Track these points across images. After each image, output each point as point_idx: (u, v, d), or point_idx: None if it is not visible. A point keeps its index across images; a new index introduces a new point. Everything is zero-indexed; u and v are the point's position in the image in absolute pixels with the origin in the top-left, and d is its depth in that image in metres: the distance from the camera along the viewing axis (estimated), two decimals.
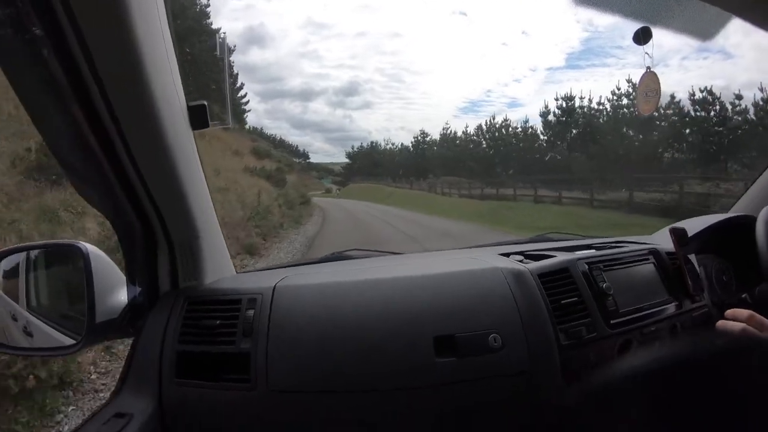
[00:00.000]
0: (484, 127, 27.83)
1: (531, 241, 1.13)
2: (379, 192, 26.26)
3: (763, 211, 0.93)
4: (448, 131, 32.98)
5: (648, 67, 0.91)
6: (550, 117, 21.97)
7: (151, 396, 0.70)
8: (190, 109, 0.73)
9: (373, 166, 39.43)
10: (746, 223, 0.97)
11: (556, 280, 0.82)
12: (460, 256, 0.99)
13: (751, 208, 1.16)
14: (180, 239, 0.78)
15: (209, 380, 0.71)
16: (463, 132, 31.69)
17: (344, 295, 0.77)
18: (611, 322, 0.82)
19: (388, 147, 41.94)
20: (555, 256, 0.89)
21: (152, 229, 0.77)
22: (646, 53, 0.89)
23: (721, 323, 0.73)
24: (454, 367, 0.70)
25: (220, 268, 0.87)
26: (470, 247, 1.10)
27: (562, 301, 0.80)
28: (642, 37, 0.89)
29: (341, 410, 0.70)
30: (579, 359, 0.77)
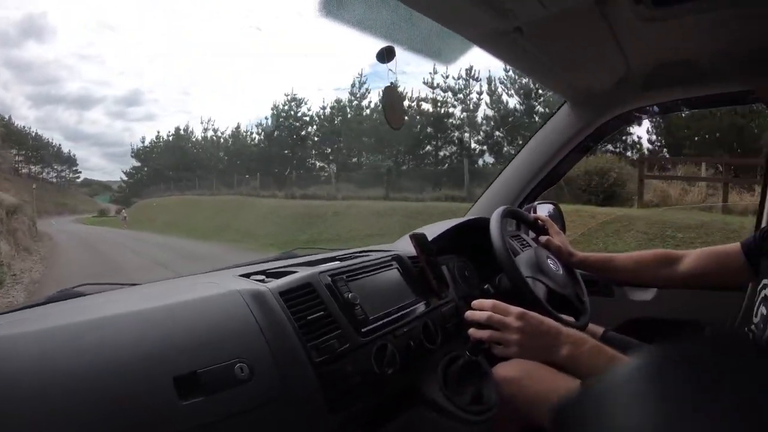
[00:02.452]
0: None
1: (276, 259, 1.11)
2: (246, 214, 14.32)
3: (494, 213, 1.10)
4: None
5: (391, 83, 0.98)
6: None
7: None
8: None
9: (183, 168, 24.55)
10: (481, 224, 1.14)
11: (299, 296, 0.80)
12: (199, 281, 0.90)
13: (484, 211, 1.40)
14: None
15: None
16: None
17: (65, 342, 0.61)
18: (362, 330, 0.83)
19: (208, 135, 26.41)
20: (297, 272, 0.87)
21: None
22: (390, 70, 0.95)
23: (469, 313, 0.81)
24: (202, 409, 0.61)
25: None
26: (212, 271, 1.02)
27: (308, 318, 0.77)
28: (386, 55, 0.95)
29: None
30: (337, 373, 0.76)
